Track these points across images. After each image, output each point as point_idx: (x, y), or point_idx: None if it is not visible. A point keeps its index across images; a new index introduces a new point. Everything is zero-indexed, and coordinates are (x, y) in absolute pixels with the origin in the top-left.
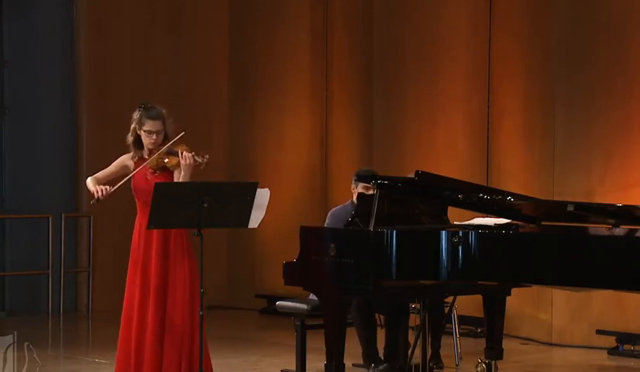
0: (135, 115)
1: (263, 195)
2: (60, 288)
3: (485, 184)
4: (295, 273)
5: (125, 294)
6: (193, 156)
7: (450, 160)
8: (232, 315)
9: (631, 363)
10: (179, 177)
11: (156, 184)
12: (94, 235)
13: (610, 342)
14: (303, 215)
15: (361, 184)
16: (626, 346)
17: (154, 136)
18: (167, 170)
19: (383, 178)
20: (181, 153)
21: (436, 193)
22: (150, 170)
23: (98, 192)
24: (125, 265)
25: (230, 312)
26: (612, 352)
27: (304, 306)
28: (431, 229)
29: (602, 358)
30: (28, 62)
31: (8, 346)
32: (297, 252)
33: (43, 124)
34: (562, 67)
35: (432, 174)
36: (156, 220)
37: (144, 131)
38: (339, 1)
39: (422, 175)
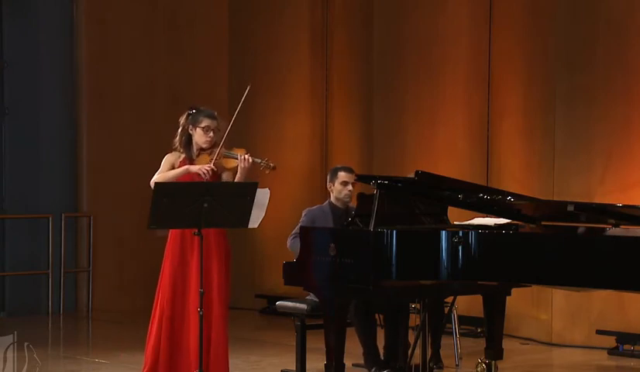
0: (186, 116)
1: (263, 195)
2: (60, 288)
3: (485, 184)
4: (295, 273)
5: (165, 294)
6: (253, 159)
7: (450, 159)
8: (232, 315)
9: (631, 363)
10: (230, 180)
11: (156, 183)
12: (94, 235)
13: (610, 342)
14: None
15: (341, 178)
16: (626, 346)
17: (210, 133)
18: (215, 173)
19: (383, 178)
20: (240, 156)
21: (436, 193)
22: (197, 173)
23: (205, 173)
24: (124, 265)
25: (230, 312)
26: (612, 352)
27: (304, 306)
28: (431, 229)
29: (602, 358)
30: (28, 62)
31: (8, 346)
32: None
33: (43, 124)
34: (562, 67)
35: (432, 174)
36: (156, 220)
37: (201, 127)
38: (339, 1)
39: (422, 175)
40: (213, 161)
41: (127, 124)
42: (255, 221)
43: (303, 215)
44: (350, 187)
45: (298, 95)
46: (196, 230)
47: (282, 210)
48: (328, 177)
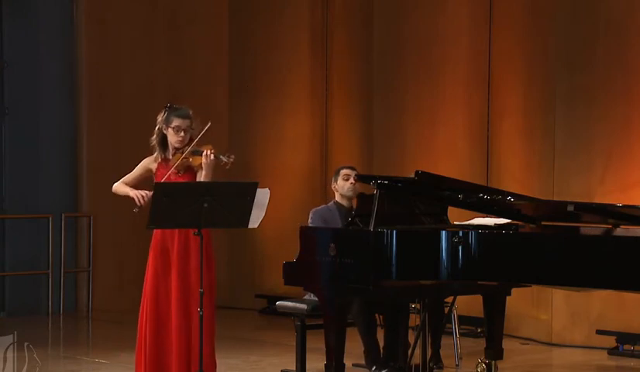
0: (161, 115)
1: (263, 194)
2: (60, 288)
3: (485, 184)
4: (295, 273)
5: (146, 291)
6: (215, 154)
7: (450, 159)
8: (232, 315)
9: (631, 363)
10: (201, 177)
11: (155, 183)
12: (94, 235)
13: (610, 342)
14: (303, 215)
15: (342, 173)
16: (626, 346)
17: (182, 134)
18: (191, 171)
19: (383, 178)
20: (204, 152)
21: (436, 193)
22: (174, 170)
23: (139, 198)
24: (124, 265)
25: (230, 312)
26: (612, 352)
27: (304, 306)
28: (431, 229)
29: (602, 358)
30: (28, 62)
31: (8, 346)
32: (297, 252)
33: (43, 124)
34: (562, 67)
35: (432, 174)
36: (156, 220)
37: (172, 128)
38: (339, 1)
39: (422, 175)
40: (181, 159)
41: (127, 124)
42: (255, 221)
43: (310, 215)
44: (352, 180)
45: (298, 95)
46: (196, 230)
47: (282, 210)
48: (332, 180)
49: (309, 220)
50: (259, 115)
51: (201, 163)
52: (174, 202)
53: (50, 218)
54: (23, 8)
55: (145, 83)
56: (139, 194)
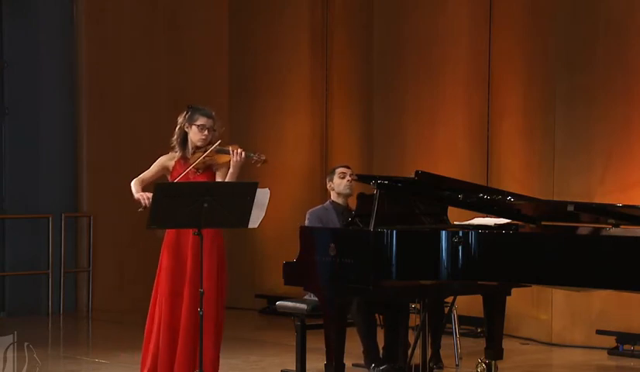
0: (183, 115)
1: (263, 194)
2: (60, 288)
3: (485, 184)
4: (295, 273)
5: (160, 289)
6: (245, 152)
7: (450, 159)
8: (232, 315)
9: (631, 363)
10: (224, 176)
11: (156, 183)
12: (94, 235)
13: (610, 342)
14: (303, 215)
15: (338, 172)
16: (626, 346)
17: (206, 132)
18: (210, 170)
19: (383, 178)
20: (232, 150)
21: (436, 193)
22: (193, 169)
23: (144, 200)
24: (124, 265)
25: (230, 312)
26: (612, 352)
27: (304, 306)
28: (431, 229)
29: (602, 358)
30: (28, 62)
31: (8, 346)
32: (297, 252)
33: (43, 124)
34: (562, 67)
35: (432, 174)
36: (156, 220)
37: (196, 125)
38: (339, 1)
39: (422, 175)
40: (204, 157)
41: (127, 124)
42: (255, 221)
43: (307, 216)
44: (348, 177)
45: (298, 95)
46: (196, 230)
47: (282, 210)
48: (327, 179)
49: (306, 221)
50: (259, 115)
51: (227, 162)
52: (174, 202)
53: (50, 218)
54: (23, 8)
55: (145, 83)
56: (144, 196)
